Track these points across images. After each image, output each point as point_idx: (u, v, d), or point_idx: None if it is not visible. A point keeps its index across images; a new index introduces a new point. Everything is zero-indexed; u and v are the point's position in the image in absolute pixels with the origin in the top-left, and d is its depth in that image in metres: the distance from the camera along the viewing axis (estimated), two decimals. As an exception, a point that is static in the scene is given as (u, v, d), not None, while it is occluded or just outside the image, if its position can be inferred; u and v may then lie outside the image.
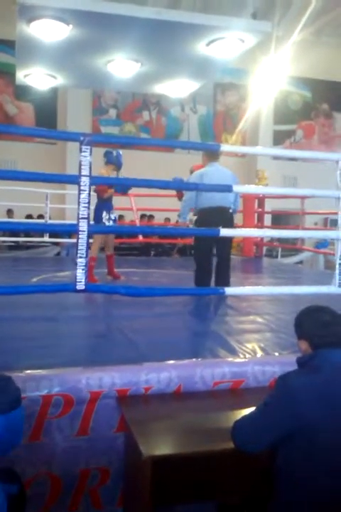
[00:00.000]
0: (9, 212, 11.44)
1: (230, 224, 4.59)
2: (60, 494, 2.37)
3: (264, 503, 1.99)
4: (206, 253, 4.76)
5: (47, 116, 13.09)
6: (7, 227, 5.84)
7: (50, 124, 12.98)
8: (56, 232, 5.04)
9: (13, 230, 8.53)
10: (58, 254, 9.84)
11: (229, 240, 4.83)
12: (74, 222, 2.90)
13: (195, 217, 4.92)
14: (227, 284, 4.50)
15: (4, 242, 9.65)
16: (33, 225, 5.72)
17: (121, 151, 5.51)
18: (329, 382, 1.81)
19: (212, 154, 4.79)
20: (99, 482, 2.42)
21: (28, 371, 2.35)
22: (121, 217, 12.00)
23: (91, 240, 4.80)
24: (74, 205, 5.85)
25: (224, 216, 4.59)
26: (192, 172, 5.05)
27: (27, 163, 11.29)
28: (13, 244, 9.70)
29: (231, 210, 4.74)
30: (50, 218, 7.67)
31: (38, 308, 3.85)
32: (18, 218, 10.56)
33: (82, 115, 13.12)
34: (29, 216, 11.14)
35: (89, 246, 2.95)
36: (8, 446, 1.74)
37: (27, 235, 9.38)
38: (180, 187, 5.16)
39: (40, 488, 2.32)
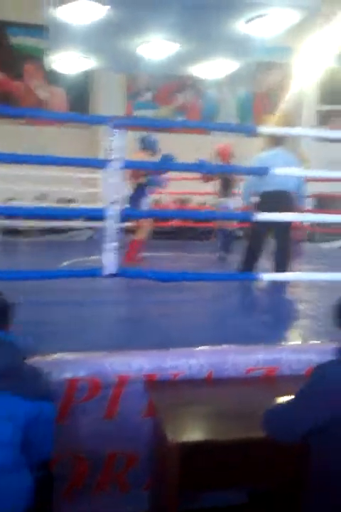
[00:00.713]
0: (41, 197, 11.55)
1: (289, 209, 4.34)
2: (86, 476, 2.38)
3: (296, 492, 1.93)
4: (258, 238, 4.59)
5: (79, 100, 13.09)
6: (39, 212, 5.89)
7: (83, 108, 12.99)
8: (86, 216, 5.02)
9: (44, 216, 8.61)
10: (91, 237, 9.89)
11: (286, 226, 4.53)
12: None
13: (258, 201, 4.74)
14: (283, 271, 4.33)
15: (33, 227, 9.75)
16: (63, 211, 5.72)
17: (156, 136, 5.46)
18: None
19: (275, 139, 4.63)
20: (125, 466, 2.42)
21: (55, 355, 2.35)
22: (157, 201, 12.00)
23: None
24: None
25: (283, 200, 4.40)
26: (217, 154, 4.91)
27: (58, 148, 11.36)
28: (45, 228, 9.80)
29: (296, 195, 4.56)
30: (82, 202, 7.68)
31: (67, 292, 3.87)
32: (50, 203, 10.65)
33: (116, 99, 13.03)
34: (61, 200, 11.21)
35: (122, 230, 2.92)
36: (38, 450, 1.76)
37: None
38: (208, 169, 5.03)
39: (66, 470, 2.33)
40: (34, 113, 6.23)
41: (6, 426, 1.62)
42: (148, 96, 13.98)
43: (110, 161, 2.92)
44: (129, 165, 3.28)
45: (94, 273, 3.12)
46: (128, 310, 3.54)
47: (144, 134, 5.43)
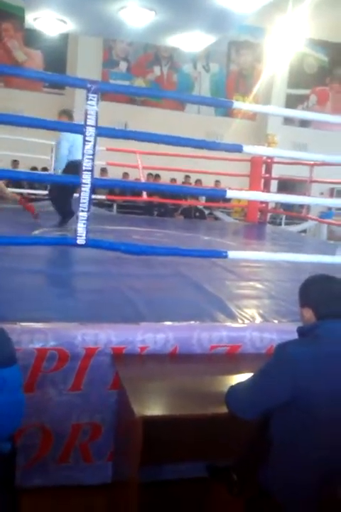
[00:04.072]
0: (14, 163, 11.32)
1: None
2: (51, 446, 2.39)
3: (254, 467, 1.99)
4: None
5: (56, 65, 12.78)
6: (9, 175, 5.76)
7: (59, 72, 12.70)
8: (59, 183, 4.95)
9: (16, 179, 8.43)
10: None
11: None
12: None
13: None
14: None
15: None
16: (35, 176, 5.62)
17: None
18: (330, 354, 1.77)
19: None
20: (90, 437, 2.44)
21: (24, 323, 2.33)
22: (125, 174, 11.90)
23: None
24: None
25: None
26: None
27: (34, 113, 11.10)
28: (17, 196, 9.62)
29: None
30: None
31: (37, 261, 3.82)
32: (23, 169, 10.43)
33: (92, 66, 12.81)
34: (34, 168, 11.02)
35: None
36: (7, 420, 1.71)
37: (31, 187, 9.27)
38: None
39: (31, 440, 2.33)
40: (9, 70, 6.02)
41: None
42: (123, 66, 13.77)
43: (86, 126, 2.86)
44: (106, 132, 3.22)
45: (67, 242, 3.09)
46: (98, 282, 3.52)
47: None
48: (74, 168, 5.42)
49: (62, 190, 5.58)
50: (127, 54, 13.75)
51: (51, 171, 7.80)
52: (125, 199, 9.44)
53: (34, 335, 2.25)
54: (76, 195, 3.93)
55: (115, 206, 10.01)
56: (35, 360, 2.24)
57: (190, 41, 7.43)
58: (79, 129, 2.94)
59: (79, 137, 5.34)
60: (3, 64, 12.22)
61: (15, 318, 2.39)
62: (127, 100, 12.56)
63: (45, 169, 9.88)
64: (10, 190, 7.56)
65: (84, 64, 12.60)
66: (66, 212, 5.70)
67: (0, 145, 8.81)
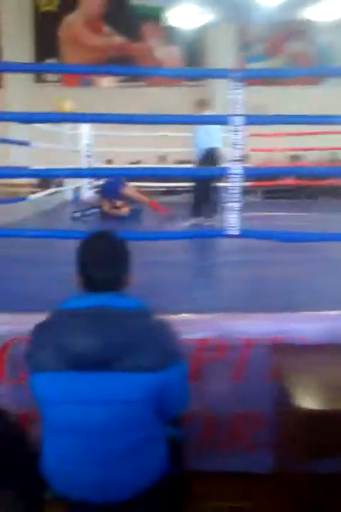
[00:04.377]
0: (161, 159, 11.81)
1: None
2: (213, 434, 2.46)
3: None
4: None
5: (193, 57, 13.04)
6: (159, 173, 6.04)
7: (197, 65, 12.92)
8: (207, 176, 5.02)
9: (164, 176, 8.78)
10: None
11: None
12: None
13: None
14: None
15: (157, 187, 10.04)
16: (181, 170, 5.79)
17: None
18: None
19: None
20: (250, 426, 2.46)
21: (184, 315, 2.42)
22: (294, 157, 11.66)
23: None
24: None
25: None
26: None
27: (175, 107, 11.46)
28: (165, 189, 10.04)
29: None
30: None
31: (189, 253, 3.94)
32: (169, 163, 10.85)
33: (227, 53, 12.76)
34: (180, 162, 11.37)
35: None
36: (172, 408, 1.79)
37: (177, 180, 9.56)
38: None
39: (195, 427, 2.42)
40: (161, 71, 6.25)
41: (140, 405, 1.62)
42: (258, 48, 13.45)
43: (233, 116, 2.85)
44: (252, 120, 3.17)
45: (219, 233, 3.12)
46: (251, 271, 3.51)
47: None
48: (207, 157, 5.53)
49: (202, 181, 5.68)
50: (261, 35, 13.42)
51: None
52: (270, 184, 9.26)
53: (194, 326, 2.33)
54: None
55: (259, 192, 9.90)
56: (196, 350, 2.32)
57: (326, 10, 6.94)
58: (225, 120, 2.93)
59: (215, 125, 5.47)
60: (145, 65, 12.86)
61: (174, 309, 2.49)
62: (263, 82, 12.28)
63: (183, 162, 10.14)
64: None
65: (220, 52, 12.61)
66: (206, 202, 5.77)
67: (146, 142, 9.24)
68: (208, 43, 13.08)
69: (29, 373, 1.69)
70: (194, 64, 12.87)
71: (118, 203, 6.47)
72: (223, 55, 12.47)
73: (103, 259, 1.68)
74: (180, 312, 2.44)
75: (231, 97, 2.86)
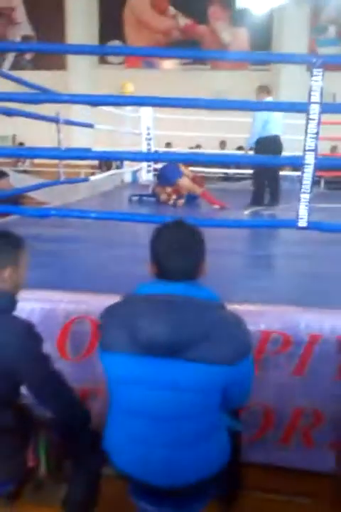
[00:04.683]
0: (222, 144, 11.70)
1: None
2: (273, 426, 2.43)
3: None
4: None
5: (261, 41, 12.72)
6: (218, 159, 5.97)
7: (265, 49, 12.61)
8: (275, 165, 4.89)
9: (223, 163, 8.69)
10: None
11: None
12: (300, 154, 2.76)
13: None
14: None
15: (216, 173, 9.98)
16: (246, 158, 5.66)
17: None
18: None
19: None
20: (311, 423, 2.41)
21: (248, 305, 2.39)
22: (334, 148, 11.26)
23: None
24: (293, 136, 5.70)
25: None
26: None
27: (239, 91, 11.28)
28: (223, 175, 9.97)
29: None
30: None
31: (251, 242, 3.88)
32: (230, 150, 10.73)
33: (298, 37, 12.35)
34: (240, 148, 11.22)
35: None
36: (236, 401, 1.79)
37: (238, 167, 9.48)
38: None
39: (254, 418, 2.40)
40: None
41: (208, 394, 1.63)
42: (331, 32, 12.90)
43: (310, 103, 2.74)
44: (331, 109, 3.04)
45: (288, 224, 3.05)
46: (320, 265, 3.41)
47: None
48: (266, 144, 5.40)
49: (265, 169, 5.57)
50: (336, 17, 12.86)
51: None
52: (333, 175, 8.96)
53: (259, 317, 2.30)
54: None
55: (322, 182, 9.60)
56: (260, 341, 2.29)
57: None
58: (302, 108, 2.84)
59: (277, 113, 5.33)
60: (210, 47, 12.70)
61: (237, 299, 2.46)
62: (331, 68, 11.78)
63: (242, 149, 9.98)
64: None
65: (290, 35, 12.22)
66: (272, 192, 5.68)
67: (208, 126, 9.15)
68: (277, 26, 12.71)
69: (100, 351, 1.72)
70: (261, 47, 12.57)
71: (172, 191, 6.42)
72: (294, 38, 12.09)
73: (178, 248, 1.67)
74: (244, 302, 2.41)
75: (311, 83, 2.75)
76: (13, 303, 1.86)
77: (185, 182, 6.28)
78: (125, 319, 1.65)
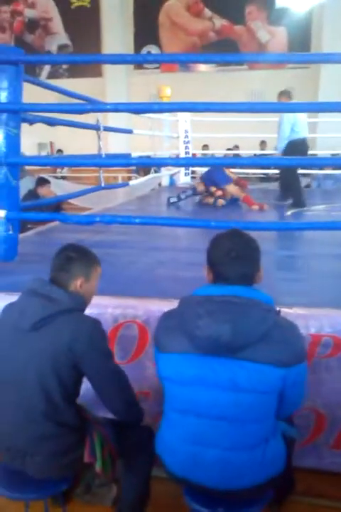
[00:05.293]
0: (262, 144, 11.59)
1: None
2: (324, 431, 2.39)
3: None
4: None
5: (300, 39, 12.54)
6: (256, 162, 5.95)
7: (304, 47, 12.42)
8: (313, 165, 4.81)
9: (262, 165, 8.63)
10: (307, 186, 9.60)
11: None
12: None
13: None
14: None
15: (255, 174, 9.92)
16: (285, 160, 5.57)
17: None
18: None
19: None
20: (365, 430, 2.36)
21: (297, 309, 2.36)
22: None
23: None
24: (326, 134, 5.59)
25: None
26: None
27: (275, 91, 11.16)
28: (263, 176, 9.89)
29: None
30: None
31: (291, 241, 3.82)
32: (271, 150, 10.59)
33: (338, 35, 12.10)
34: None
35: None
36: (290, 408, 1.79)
37: (277, 168, 9.36)
38: None
39: (304, 422, 2.37)
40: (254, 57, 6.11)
41: (263, 396, 1.63)
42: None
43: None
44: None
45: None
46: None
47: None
48: (296, 147, 5.42)
49: (291, 171, 5.56)
50: None
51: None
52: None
53: (309, 321, 2.27)
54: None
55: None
56: (310, 345, 2.26)
57: None
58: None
59: (302, 115, 5.32)
60: (248, 50, 12.61)
61: (286, 302, 2.43)
62: None
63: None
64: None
65: (330, 34, 11.97)
66: (295, 191, 5.73)
67: (246, 127, 9.08)
68: (317, 24, 12.50)
69: (156, 354, 1.75)
70: (300, 46, 12.39)
71: (215, 191, 6.41)
72: (334, 37, 11.85)
73: (236, 256, 1.69)
74: (293, 306, 2.38)
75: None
76: (83, 304, 1.96)
77: (232, 188, 6.32)
78: (184, 320, 1.67)
